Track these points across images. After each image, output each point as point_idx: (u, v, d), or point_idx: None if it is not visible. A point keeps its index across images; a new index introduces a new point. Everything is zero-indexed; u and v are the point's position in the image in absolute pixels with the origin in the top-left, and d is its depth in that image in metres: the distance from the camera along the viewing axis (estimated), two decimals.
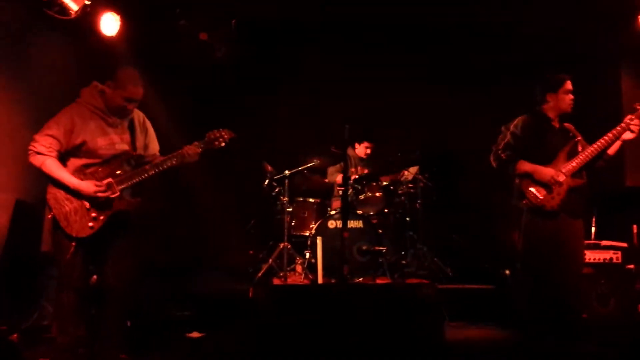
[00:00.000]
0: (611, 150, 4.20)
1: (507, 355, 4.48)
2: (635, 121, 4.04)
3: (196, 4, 5.71)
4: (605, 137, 4.18)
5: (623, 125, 4.12)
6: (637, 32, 5.39)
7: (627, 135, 4.10)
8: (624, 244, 5.37)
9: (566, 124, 4.39)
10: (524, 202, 4.29)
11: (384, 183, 6.33)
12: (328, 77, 7.18)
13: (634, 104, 4.18)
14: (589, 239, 5.52)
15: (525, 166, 4.30)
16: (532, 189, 4.25)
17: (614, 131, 4.16)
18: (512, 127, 4.42)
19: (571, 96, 4.30)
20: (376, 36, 7.06)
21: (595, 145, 4.19)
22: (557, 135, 4.33)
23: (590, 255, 5.27)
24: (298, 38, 7.11)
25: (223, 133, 3.95)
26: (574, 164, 4.20)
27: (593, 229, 5.66)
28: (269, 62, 7.26)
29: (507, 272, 5.92)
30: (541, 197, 4.22)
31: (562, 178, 4.18)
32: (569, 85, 4.31)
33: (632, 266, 5.27)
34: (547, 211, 4.21)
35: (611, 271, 5.26)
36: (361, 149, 6.88)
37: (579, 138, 4.30)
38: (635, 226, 5.48)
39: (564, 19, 6.04)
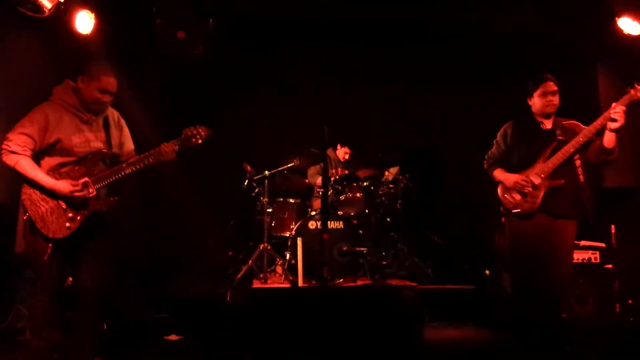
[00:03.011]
0: (607, 143, 4.04)
1: (487, 356, 4.49)
2: (618, 109, 3.97)
3: (173, 2, 5.64)
4: (585, 132, 4.12)
5: (606, 115, 4.03)
6: (616, 34, 5.43)
7: (612, 125, 3.98)
8: (602, 244, 5.43)
9: (565, 122, 4.31)
10: (501, 208, 4.37)
11: (365, 183, 6.32)
12: (308, 76, 7.16)
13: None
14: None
15: (498, 175, 4.40)
16: (506, 195, 4.30)
17: (595, 124, 4.09)
18: (497, 135, 4.50)
19: (549, 98, 4.25)
20: (357, 36, 7.06)
21: (573, 142, 4.13)
22: (543, 137, 4.28)
23: None
24: (277, 37, 7.09)
25: (200, 130, 3.88)
26: (549, 164, 4.18)
27: None
28: (247, 61, 7.22)
29: (487, 272, 5.94)
30: (515, 202, 4.25)
31: (537, 181, 4.17)
32: (546, 87, 4.26)
33: (610, 266, 5.33)
34: (524, 214, 4.22)
35: (590, 271, 5.32)
36: (341, 152, 6.92)
37: (561, 138, 4.21)
38: (613, 226, 5.53)
39: (544, 20, 6.08)
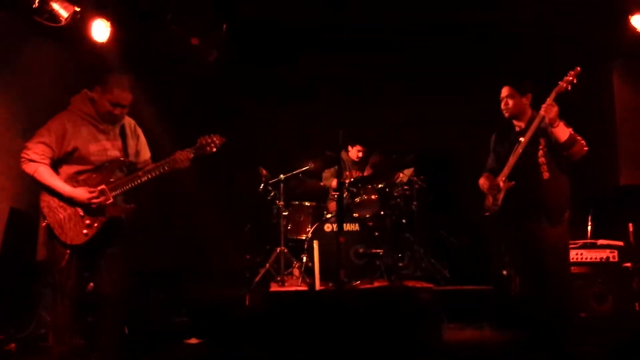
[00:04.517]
0: (557, 138, 3.97)
1: (505, 356, 4.48)
2: (547, 103, 3.96)
3: (187, 9, 5.69)
4: (528, 132, 4.07)
5: (540, 112, 4.00)
6: (630, 32, 5.39)
7: (547, 115, 3.93)
8: (620, 243, 5.38)
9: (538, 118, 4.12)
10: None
11: (379, 185, 6.34)
12: (322, 81, 7.18)
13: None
14: (585, 238, 5.53)
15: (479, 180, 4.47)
16: (486, 198, 4.35)
17: (534, 123, 4.05)
18: None
19: (503, 102, 4.24)
20: (370, 39, 7.05)
21: (522, 143, 4.09)
22: (513, 138, 4.25)
23: (587, 255, 5.28)
24: (292, 41, 7.10)
25: (214, 138, 3.94)
26: (508, 166, 4.17)
27: (589, 228, 5.66)
28: (262, 65, 7.25)
29: (505, 272, 5.92)
30: (488, 205, 4.31)
31: (500, 183, 4.18)
32: (501, 92, 4.28)
33: (629, 264, 5.28)
34: (493, 216, 4.28)
35: (608, 270, 5.26)
36: (353, 152, 6.91)
37: (521, 139, 4.13)
38: (631, 224, 5.48)
39: (556, 19, 6.05)
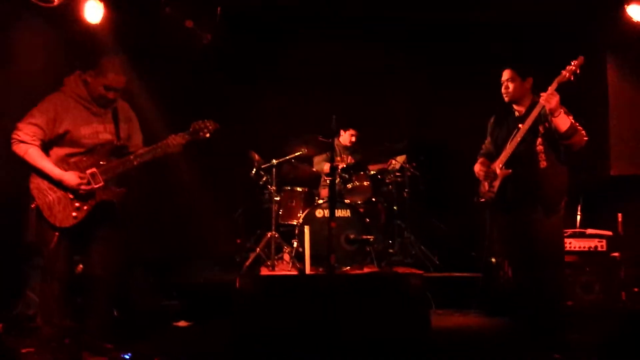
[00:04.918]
0: (557, 127, 3.91)
1: (493, 343, 4.52)
2: (548, 92, 3.89)
3: None
4: (528, 119, 4.01)
5: (541, 100, 3.93)
6: (624, 23, 5.38)
7: (548, 104, 3.86)
8: (609, 233, 5.42)
9: (538, 106, 4.03)
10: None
11: (372, 172, 6.35)
12: (315, 65, 7.15)
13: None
14: (574, 227, 5.57)
15: (475, 166, 4.42)
16: (481, 185, 4.33)
17: (534, 111, 3.99)
18: None
19: (504, 85, 4.19)
20: (363, 26, 7.02)
21: (521, 130, 4.04)
22: (512, 124, 4.20)
23: (576, 244, 5.33)
24: (284, 26, 7.07)
25: (207, 124, 3.94)
26: (505, 153, 4.12)
27: (578, 218, 5.70)
28: (254, 50, 7.21)
29: (493, 260, 5.95)
30: (483, 192, 4.29)
31: (497, 170, 4.15)
32: (502, 75, 4.23)
33: (616, 254, 5.32)
34: (488, 203, 4.25)
35: (596, 259, 5.31)
36: (346, 137, 6.91)
37: (520, 125, 4.07)
38: (620, 215, 5.52)
39: (550, 8, 6.03)
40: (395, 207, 6.78)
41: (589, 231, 5.43)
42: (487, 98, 4.66)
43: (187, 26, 5.77)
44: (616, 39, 6.00)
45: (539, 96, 3.99)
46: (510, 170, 4.09)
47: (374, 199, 6.46)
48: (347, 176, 6.20)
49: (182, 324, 4.92)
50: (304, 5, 6.65)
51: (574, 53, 4.08)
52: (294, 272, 5.74)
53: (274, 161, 6.35)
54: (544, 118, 4.00)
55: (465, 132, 7.02)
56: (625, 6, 5.30)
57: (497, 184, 4.16)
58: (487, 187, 4.25)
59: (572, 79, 3.98)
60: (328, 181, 6.33)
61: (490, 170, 4.22)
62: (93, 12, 5.13)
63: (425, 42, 7.14)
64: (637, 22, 5.29)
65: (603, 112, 6.14)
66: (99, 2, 5.14)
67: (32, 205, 3.65)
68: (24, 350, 3.81)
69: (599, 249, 5.35)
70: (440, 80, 7.17)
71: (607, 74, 6.32)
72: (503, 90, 4.22)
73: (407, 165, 6.76)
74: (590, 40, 6.12)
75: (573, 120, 3.96)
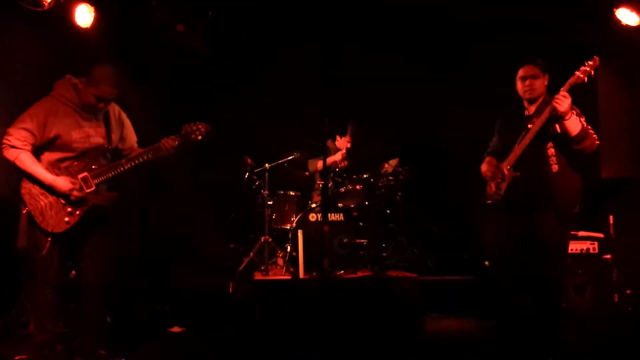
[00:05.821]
0: (568, 131, 3.78)
1: (486, 346, 4.52)
2: (559, 94, 3.74)
3: None
4: (538, 121, 3.86)
5: (552, 103, 3.75)
6: (614, 25, 5.41)
7: (560, 107, 3.70)
8: (601, 235, 5.44)
9: (549, 108, 3.86)
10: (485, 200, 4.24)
11: (365, 176, 6.36)
12: (308, 69, 7.15)
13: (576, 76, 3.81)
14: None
15: (481, 165, 4.25)
16: (487, 186, 4.17)
17: (545, 112, 3.82)
18: None
19: (526, 82, 3.98)
20: (356, 28, 7.03)
21: (531, 131, 3.89)
22: (521, 124, 4.03)
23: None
24: (277, 30, 7.07)
25: (200, 126, 3.92)
26: (514, 154, 3.97)
27: None
28: (247, 54, 7.21)
29: (487, 263, 5.97)
30: (489, 193, 4.12)
31: (505, 171, 4.00)
32: (525, 70, 4.02)
33: (609, 256, 5.34)
34: (495, 205, 4.09)
35: (588, 261, 5.32)
36: (342, 142, 6.91)
37: (530, 126, 3.93)
38: (611, 217, 5.54)
39: (542, 11, 6.06)
40: (388, 211, 6.80)
41: (581, 233, 5.43)
42: (479, 100, 4.67)
43: (178, 30, 5.77)
44: (605, 42, 6.03)
45: (552, 96, 3.84)
46: (518, 173, 3.95)
47: (367, 203, 6.46)
48: (339, 180, 6.21)
49: (175, 329, 4.89)
50: (297, 8, 6.65)
51: (564, 58, 4.04)
52: (288, 277, 5.73)
53: (267, 165, 6.35)
54: (555, 120, 3.85)
55: (458, 135, 7.07)
56: (615, 10, 5.33)
57: (504, 186, 4.01)
58: (494, 189, 4.08)
59: (585, 80, 3.80)
60: (321, 185, 6.34)
61: (497, 171, 4.06)
62: (83, 16, 5.12)
63: (419, 45, 7.14)
64: (627, 25, 5.32)
65: (593, 115, 6.16)
66: (89, 6, 5.14)
67: (24, 211, 3.63)
68: (17, 357, 3.79)
69: (591, 251, 5.37)
70: (434, 83, 7.18)
71: (597, 77, 6.34)
72: (525, 87, 4.00)
73: (400, 169, 6.77)
74: (580, 43, 6.15)
75: (585, 124, 3.84)
